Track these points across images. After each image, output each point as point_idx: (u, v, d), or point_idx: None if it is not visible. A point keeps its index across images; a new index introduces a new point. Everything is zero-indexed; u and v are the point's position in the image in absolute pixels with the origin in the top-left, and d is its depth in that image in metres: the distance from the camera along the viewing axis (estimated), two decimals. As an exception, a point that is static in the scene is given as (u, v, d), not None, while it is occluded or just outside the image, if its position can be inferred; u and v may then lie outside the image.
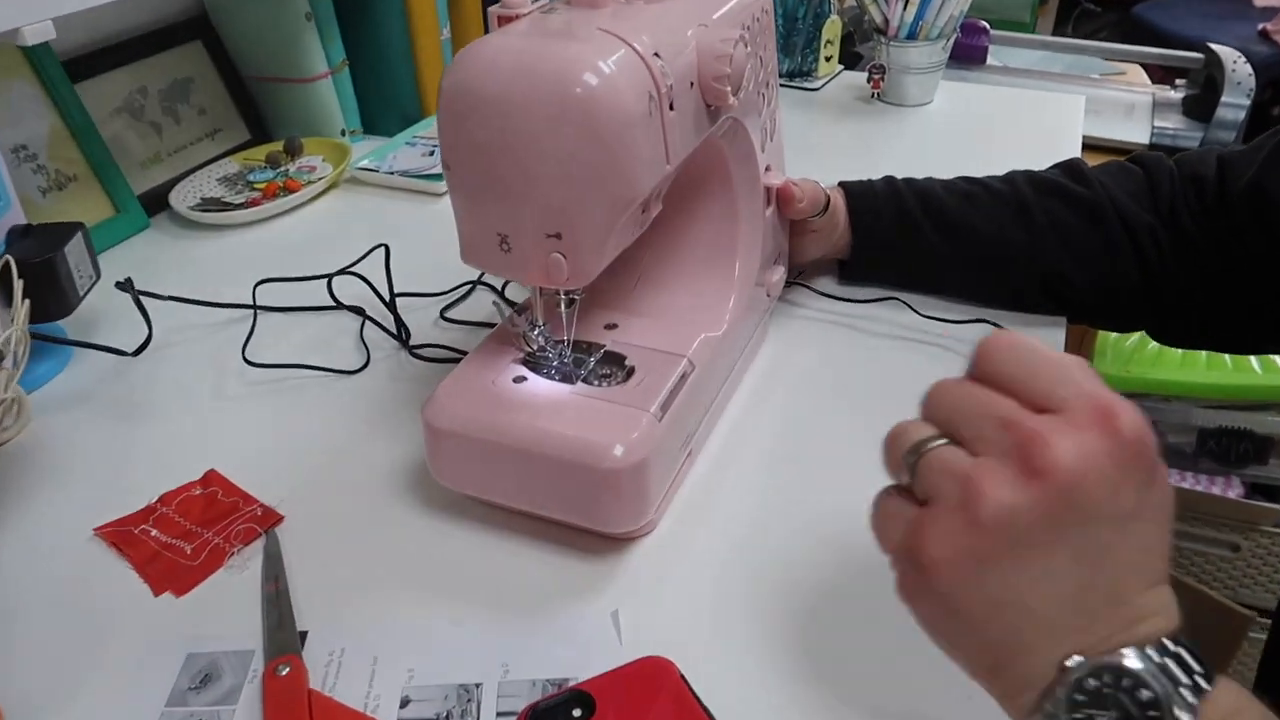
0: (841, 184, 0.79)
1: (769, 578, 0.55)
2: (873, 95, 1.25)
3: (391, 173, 1.02)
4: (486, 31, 0.58)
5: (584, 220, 0.49)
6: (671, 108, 0.50)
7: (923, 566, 0.34)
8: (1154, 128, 1.33)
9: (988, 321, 0.74)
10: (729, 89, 0.54)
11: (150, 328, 0.70)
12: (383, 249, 0.79)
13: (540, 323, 0.58)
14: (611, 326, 0.63)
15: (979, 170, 0.80)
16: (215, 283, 0.84)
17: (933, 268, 0.77)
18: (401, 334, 0.76)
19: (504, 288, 0.82)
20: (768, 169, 0.68)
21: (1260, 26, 2.50)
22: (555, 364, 0.58)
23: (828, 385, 0.70)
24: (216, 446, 0.66)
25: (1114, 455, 0.32)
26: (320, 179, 1.00)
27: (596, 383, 0.57)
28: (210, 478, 0.63)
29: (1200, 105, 1.35)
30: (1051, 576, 0.32)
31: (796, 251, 0.77)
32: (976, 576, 0.33)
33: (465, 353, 0.73)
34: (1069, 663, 0.32)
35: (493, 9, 0.55)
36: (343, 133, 1.11)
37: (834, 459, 0.63)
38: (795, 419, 0.67)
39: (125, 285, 0.69)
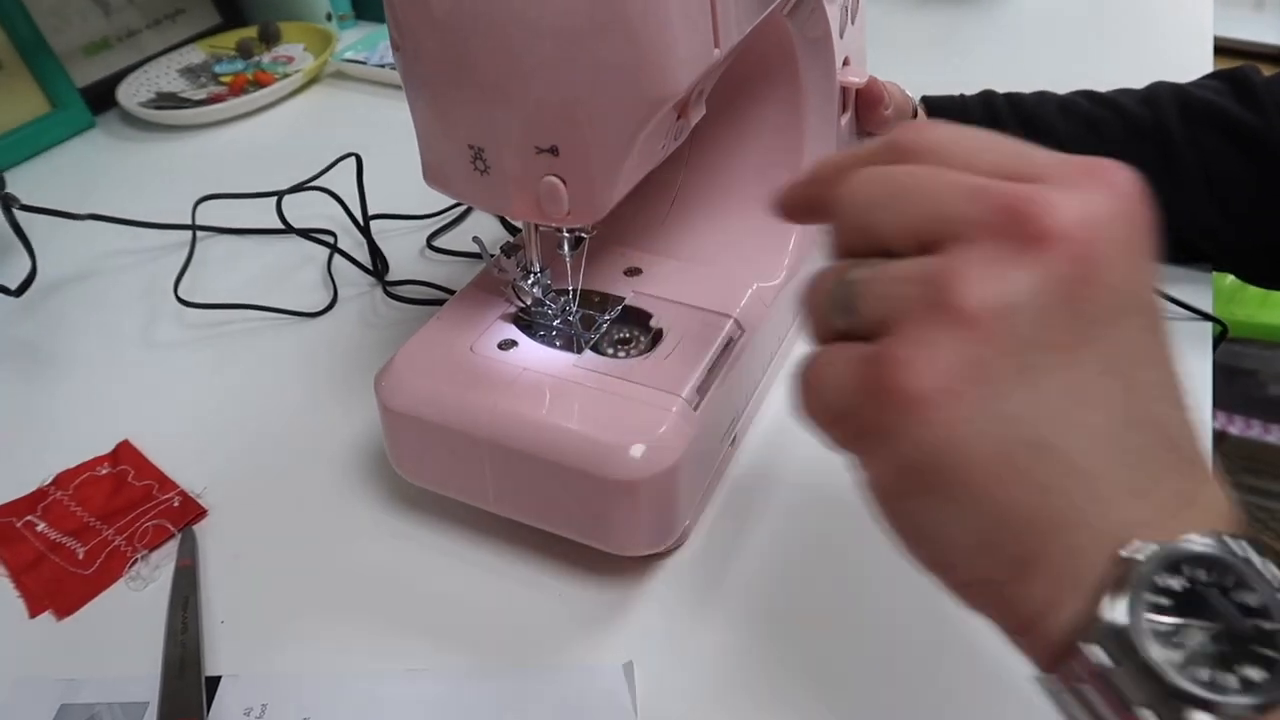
0: (924, 100, 0.62)
1: (836, 606, 0.40)
2: (955, -19, 1.06)
3: (382, 65, 0.86)
4: None
5: (593, 129, 0.33)
6: (724, -36, 0.34)
7: (903, 411, 0.22)
8: (1289, 26, 1.12)
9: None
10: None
11: (34, 260, 0.55)
12: (354, 160, 0.64)
13: (537, 268, 0.43)
14: (633, 272, 0.47)
15: (1084, 79, 0.63)
16: (165, 197, 0.70)
17: None
18: (376, 266, 0.62)
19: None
20: (846, 62, 0.52)
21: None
22: (556, 324, 0.43)
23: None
24: (135, 411, 0.52)
25: (1124, 216, 0.23)
26: (297, 71, 0.84)
27: (611, 351, 0.43)
28: (122, 452, 0.50)
29: (1345, 0, 1.14)
30: (1082, 398, 0.22)
31: None
32: (981, 404, 0.22)
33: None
34: (1131, 551, 0.21)
35: None
36: (328, 17, 0.94)
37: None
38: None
39: (4, 200, 0.55)
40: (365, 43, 0.89)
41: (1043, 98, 0.61)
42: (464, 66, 0.33)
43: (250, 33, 0.89)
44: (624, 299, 0.45)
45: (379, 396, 0.42)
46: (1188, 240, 0.57)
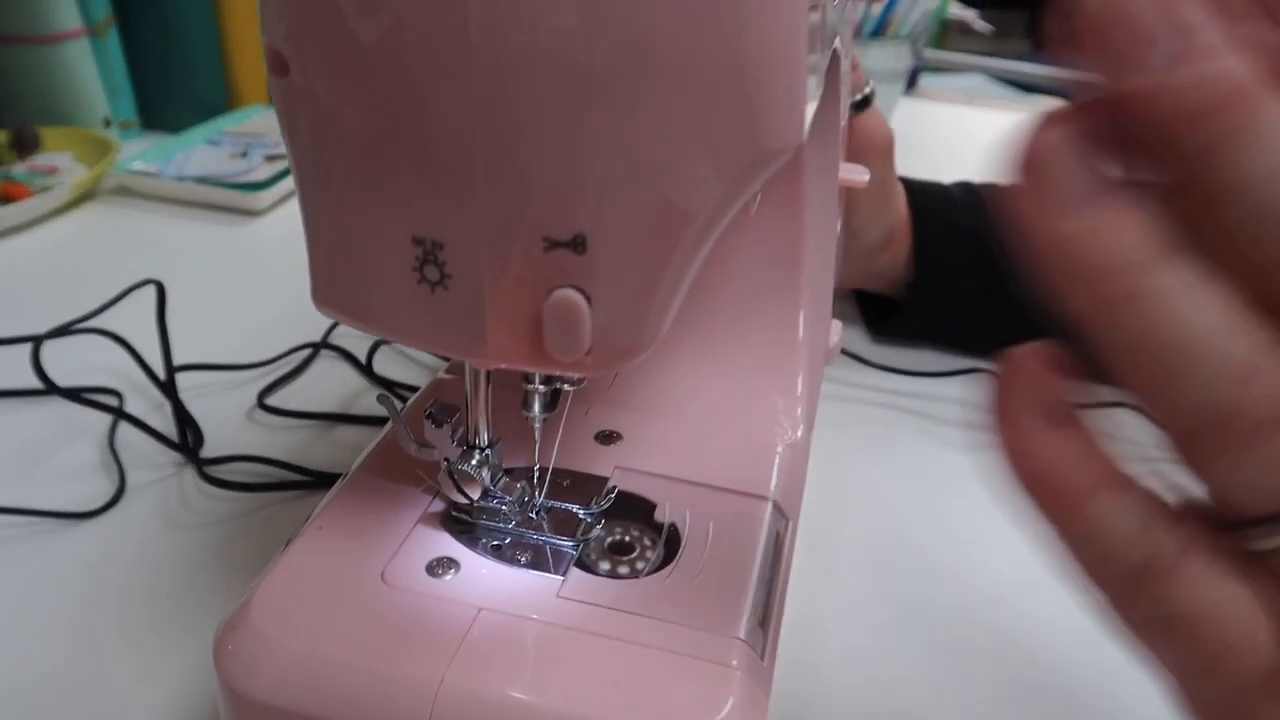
0: (903, 180, 0.53)
1: None
2: (824, 107, 1.01)
3: (182, 178, 0.68)
4: None
5: (656, 205, 0.19)
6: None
7: None
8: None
9: (1128, 405, 0.49)
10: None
11: None
12: (153, 289, 0.46)
13: (486, 441, 0.27)
14: (609, 438, 0.32)
15: None
16: None
17: (1033, 329, 0.52)
18: (186, 439, 0.43)
19: (373, 350, 0.50)
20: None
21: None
22: (513, 525, 0.28)
23: (905, 495, 0.43)
24: None
25: None
26: (63, 184, 0.65)
27: (610, 567, 0.27)
28: None
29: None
30: None
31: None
32: None
33: (307, 472, 0.41)
34: None
35: None
36: (106, 123, 0.76)
37: (936, 605, 0.35)
38: (892, 570, 0.39)
39: None
40: (157, 152, 0.71)
41: None
42: (417, 115, 0.19)
43: (0, 137, 0.69)
44: (609, 480, 0.30)
45: (222, 674, 0.24)
46: None
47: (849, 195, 0.49)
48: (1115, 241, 0.13)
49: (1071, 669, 0.35)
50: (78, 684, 0.32)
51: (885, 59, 0.97)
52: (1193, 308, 0.13)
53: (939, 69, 1.50)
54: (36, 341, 0.42)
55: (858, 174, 0.40)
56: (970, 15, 2.01)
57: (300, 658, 0.24)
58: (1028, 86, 1.59)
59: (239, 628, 0.25)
